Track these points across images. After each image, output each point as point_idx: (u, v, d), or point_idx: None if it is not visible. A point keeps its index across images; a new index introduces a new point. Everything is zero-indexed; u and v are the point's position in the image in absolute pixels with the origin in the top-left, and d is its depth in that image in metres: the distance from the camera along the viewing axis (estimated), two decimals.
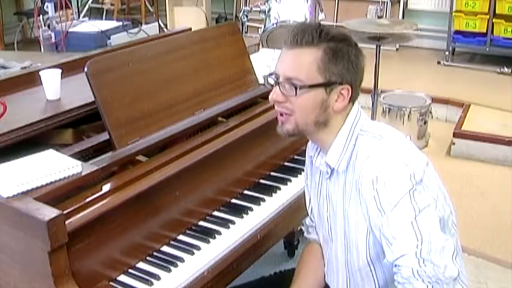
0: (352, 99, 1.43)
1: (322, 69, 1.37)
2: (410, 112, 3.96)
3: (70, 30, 3.91)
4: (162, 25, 5.92)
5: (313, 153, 1.56)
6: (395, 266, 1.29)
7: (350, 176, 1.42)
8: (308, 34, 1.37)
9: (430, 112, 4.05)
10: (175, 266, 1.60)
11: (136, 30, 4.05)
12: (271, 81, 1.46)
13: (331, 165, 1.45)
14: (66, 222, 1.38)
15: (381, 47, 3.57)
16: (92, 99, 1.74)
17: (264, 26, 3.81)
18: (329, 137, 1.45)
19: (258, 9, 3.88)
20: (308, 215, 1.71)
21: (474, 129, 4.02)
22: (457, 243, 1.44)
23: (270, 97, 1.44)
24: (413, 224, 1.28)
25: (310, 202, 1.66)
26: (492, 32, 5.21)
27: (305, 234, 1.76)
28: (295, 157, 2.21)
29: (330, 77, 1.38)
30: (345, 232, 1.46)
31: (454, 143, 3.99)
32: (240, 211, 1.85)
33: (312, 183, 1.62)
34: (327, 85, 1.38)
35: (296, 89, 1.37)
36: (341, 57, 1.38)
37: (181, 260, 1.62)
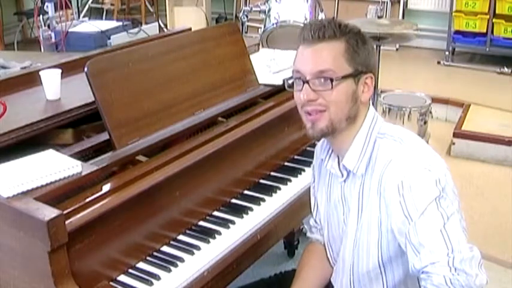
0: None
1: (350, 59, 1.40)
2: (410, 112, 3.95)
3: (70, 30, 3.92)
4: (162, 25, 5.92)
5: (324, 155, 1.55)
6: (424, 272, 1.28)
7: (368, 179, 1.42)
8: (329, 28, 1.40)
9: (430, 112, 4.04)
10: (175, 266, 1.60)
11: (136, 30, 4.06)
12: (296, 82, 1.44)
13: (349, 167, 1.45)
14: (66, 222, 1.38)
15: (381, 47, 3.58)
16: (92, 99, 1.74)
17: (264, 26, 3.81)
18: (346, 137, 1.45)
19: (258, 9, 3.88)
20: (312, 216, 1.70)
21: (474, 129, 4.02)
22: None
23: (301, 98, 1.41)
24: (442, 232, 1.27)
25: (316, 204, 1.66)
26: (492, 32, 5.21)
27: (308, 233, 1.75)
28: (295, 157, 2.21)
29: (357, 67, 1.41)
30: (356, 235, 1.46)
31: (454, 143, 3.99)
32: (240, 211, 1.85)
33: (320, 186, 1.61)
34: (355, 75, 1.41)
35: (332, 81, 1.38)
36: (362, 46, 1.42)
37: (181, 260, 1.62)
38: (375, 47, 1.49)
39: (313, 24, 1.41)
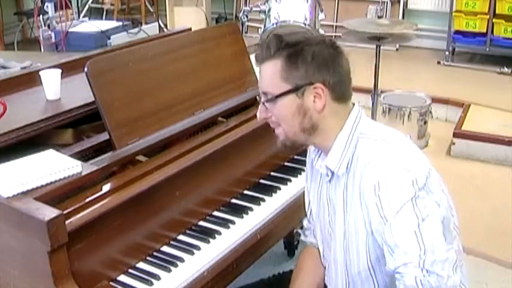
0: (338, 98, 1.42)
1: (285, 76, 1.39)
2: (410, 112, 3.96)
3: (70, 30, 3.92)
4: (162, 25, 5.92)
5: (314, 155, 1.56)
6: (398, 273, 1.29)
7: (351, 179, 1.42)
8: (266, 48, 1.41)
9: (430, 112, 4.05)
10: (175, 266, 1.60)
11: (136, 30, 4.06)
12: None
13: (331, 168, 1.45)
14: (66, 222, 1.38)
15: (381, 47, 3.57)
16: (92, 99, 1.74)
17: (264, 26, 3.81)
18: (326, 140, 1.45)
19: (258, 9, 3.88)
20: (306, 216, 1.71)
21: (474, 129, 4.02)
22: (458, 245, 1.44)
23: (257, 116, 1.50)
24: (416, 232, 1.27)
25: (309, 204, 1.66)
26: (492, 32, 5.21)
27: (301, 237, 1.75)
28: (295, 157, 2.20)
29: (296, 81, 1.39)
30: (345, 235, 1.46)
31: (454, 143, 3.99)
32: (240, 211, 1.85)
33: (312, 185, 1.61)
34: (295, 90, 1.39)
35: (271, 100, 1.42)
36: (300, 59, 1.38)
37: (181, 260, 1.62)
38: (333, 53, 1.41)
39: (259, 45, 1.44)
